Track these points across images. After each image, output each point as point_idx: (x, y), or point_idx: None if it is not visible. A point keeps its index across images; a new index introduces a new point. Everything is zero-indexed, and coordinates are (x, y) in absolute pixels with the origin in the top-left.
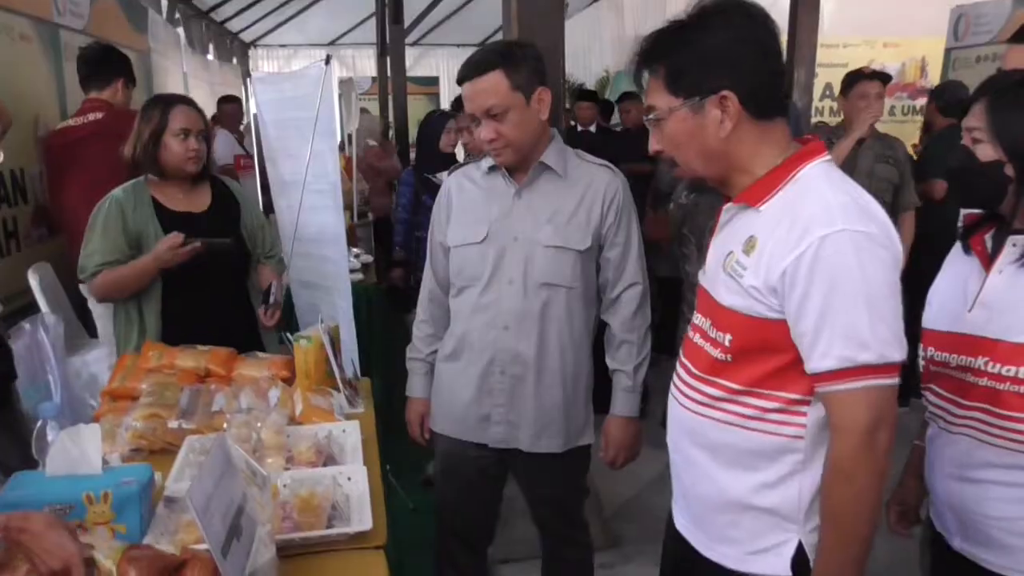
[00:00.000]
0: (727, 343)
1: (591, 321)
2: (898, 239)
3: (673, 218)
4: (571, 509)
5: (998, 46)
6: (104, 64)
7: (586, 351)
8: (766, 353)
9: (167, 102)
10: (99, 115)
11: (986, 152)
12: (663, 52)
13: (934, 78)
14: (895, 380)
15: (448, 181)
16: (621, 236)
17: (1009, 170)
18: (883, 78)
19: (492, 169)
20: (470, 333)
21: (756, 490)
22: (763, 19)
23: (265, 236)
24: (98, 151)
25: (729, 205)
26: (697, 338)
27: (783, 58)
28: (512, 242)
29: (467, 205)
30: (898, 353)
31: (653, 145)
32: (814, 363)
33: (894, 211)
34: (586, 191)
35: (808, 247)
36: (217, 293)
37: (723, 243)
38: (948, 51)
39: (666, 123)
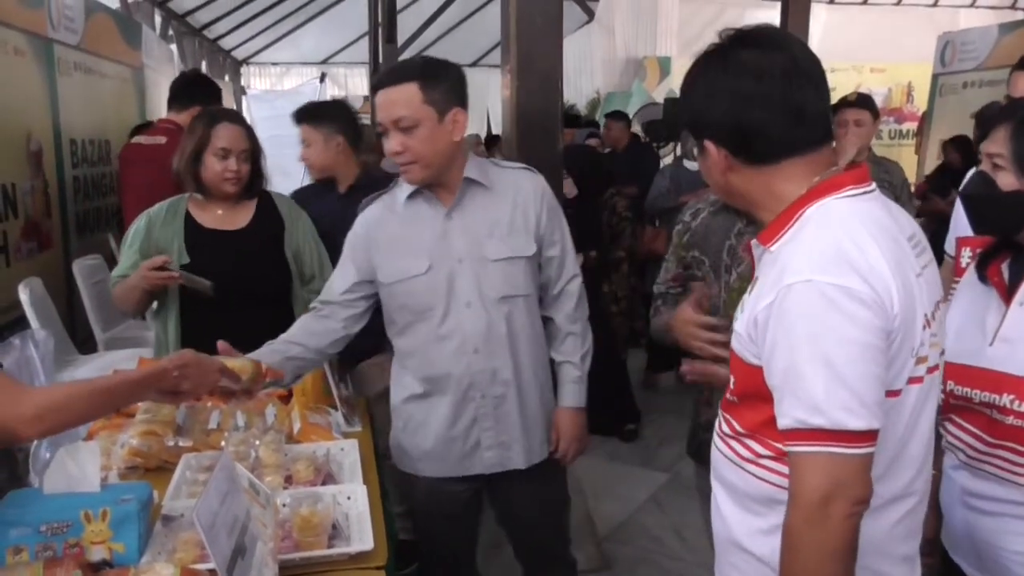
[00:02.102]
0: (732, 384)
1: (541, 322)
2: (898, 297)
3: (677, 241)
4: (560, 522)
5: (984, 72)
6: (186, 89)
7: (547, 352)
8: (760, 400)
9: (213, 118)
10: (162, 140)
11: (1007, 180)
12: (683, 89)
13: (920, 103)
14: (858, 450)
15: (362, 217)
16: (557, 233)
17: None
18: (868, 104)
19: (412, 196)
20: (440, 365)
21: (753, 535)
22: (763, 59)
23: (313, 262)
24: (153, 176)
25: (754, 241)
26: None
27: (792, 99)
28: (458, 264)
29: (393, 239)
30: (857, 421)
31: None
32: (778, 420)
33: None
34: (516, 196)
35: (776, 296)
36: (244, 316)
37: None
38: (935, 77)
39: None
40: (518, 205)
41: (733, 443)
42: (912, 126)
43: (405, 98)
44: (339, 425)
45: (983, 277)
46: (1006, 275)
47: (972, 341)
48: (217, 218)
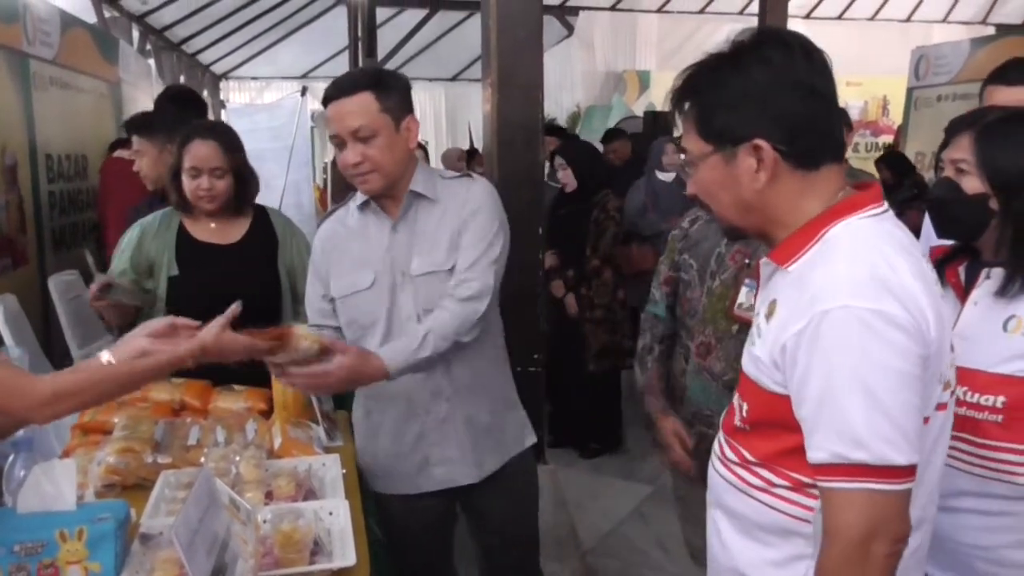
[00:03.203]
0: (744, 412)
1: (499, 326)
2: (933, 321)
3: (671, 246)
4: (534, 530)
5: (958, 85)
6: (168, 104)
7: (504, 359)
8: (778, 429)
9: (187, 136)
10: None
11: (972, 184)
12: (694, 91)
13: (895, 116)
14: (899, 486)
15: (319, 231)
16: (473, 237)
17: (994, 203)
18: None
19: (362, 208)
20: (381, 383)
21: (761, 566)
22: (807, 56)
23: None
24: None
25: (765, 260)
26: (734, 396)
27: (834, 97)
28: (401, 278)
29: (344, 252)
30: (900, 455)
31: (688, 189)
32: (811, 453)
33: None
34: (461, 208)
35: (809, 323)
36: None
37: (760, 301)
38: (910, 90)
39: (698, 169)
40: (462, 216)
41: (739, 470)
42: (888, 139)
43: (361, 107)
44: (321, 440)
45: (941, 280)
46: (962, 277)
47: None
48: (210, 231)
